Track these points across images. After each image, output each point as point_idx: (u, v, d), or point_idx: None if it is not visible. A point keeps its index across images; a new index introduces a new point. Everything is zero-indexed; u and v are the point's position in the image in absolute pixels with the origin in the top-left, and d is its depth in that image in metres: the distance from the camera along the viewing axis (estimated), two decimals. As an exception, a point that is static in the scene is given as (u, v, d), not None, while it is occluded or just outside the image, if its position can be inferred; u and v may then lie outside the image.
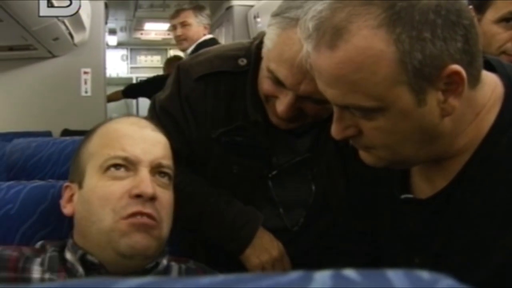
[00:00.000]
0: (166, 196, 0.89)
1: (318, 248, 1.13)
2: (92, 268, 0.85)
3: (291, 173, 1.15)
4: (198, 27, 2.89)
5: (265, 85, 1.03)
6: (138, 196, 0.84)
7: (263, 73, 1.04)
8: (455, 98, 0.69)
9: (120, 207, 0.83)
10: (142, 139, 0.91)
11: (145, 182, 0.85)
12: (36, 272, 0.84)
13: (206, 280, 0.22)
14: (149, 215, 0.84)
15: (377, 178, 0.91)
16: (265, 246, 1.10)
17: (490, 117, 0.74)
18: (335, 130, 0.76)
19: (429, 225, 0.80)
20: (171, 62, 4.22)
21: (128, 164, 0.87)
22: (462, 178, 0.76)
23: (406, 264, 0.83)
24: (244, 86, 1.11)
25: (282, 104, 1.00)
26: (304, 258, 1.14)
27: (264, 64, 1.03)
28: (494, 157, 0.73)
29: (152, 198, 0.85)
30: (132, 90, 4.12)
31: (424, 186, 0.83)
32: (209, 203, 1.11)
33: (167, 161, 0.92)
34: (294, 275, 0.23)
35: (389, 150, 0.75)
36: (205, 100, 1.12)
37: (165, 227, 0.88)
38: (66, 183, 0.93)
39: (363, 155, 0.79)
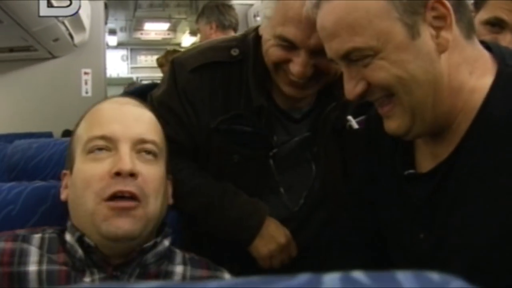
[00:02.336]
0: (151, 171, 0.86)
1: (320, 242, 1.13)
2: (89, 250, 0.84)
3: (291, 155, 1.16)
4: (204, 29, 2.89)
5: (275, 53, 1.04)
6: (118, 174, 0.82)
7: (268, 44, 1.05)
8: (447, 31, 0.75)
9: (100, 188, 0.82)
10: (122, 115, 0.88)
11: (123, 158, 0.82)
12: (32, 264, 0.83)
13: (213, 283, 0.22)
14: (130, 194, 0.82)
15: (380, 157, 0.93)
16: (272, 234, 1.11)
17: (482, 84, 0.77)
18: (348, 90, 0.82)
19: (433, 198, 0.81)
20: (167, 56, 3.82)
21: (108, 143, 0.85)
22: (462, 148, 0.78)
23: (411, 240, 0.85)
24: (240, 75, 1.13)
25: (297, 64, 1.01)
26: (306, 252, 1.14)
27: (267, 36, 1.04)
28: (491, 128, 0.75)
29: (132, 174, 0.82)
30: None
31: (426, 162, 0.85)
32: (216, 194, 1.12)
33: (152, 136, 0.89)
34: (303, 278, 0.22)
35: (402, 96, 0.77)
36: (201, 91, 1.14)
37: (152, 204, 0.85)
38: (64, 171, 0.94)
39: (386, 124, 0.82)
